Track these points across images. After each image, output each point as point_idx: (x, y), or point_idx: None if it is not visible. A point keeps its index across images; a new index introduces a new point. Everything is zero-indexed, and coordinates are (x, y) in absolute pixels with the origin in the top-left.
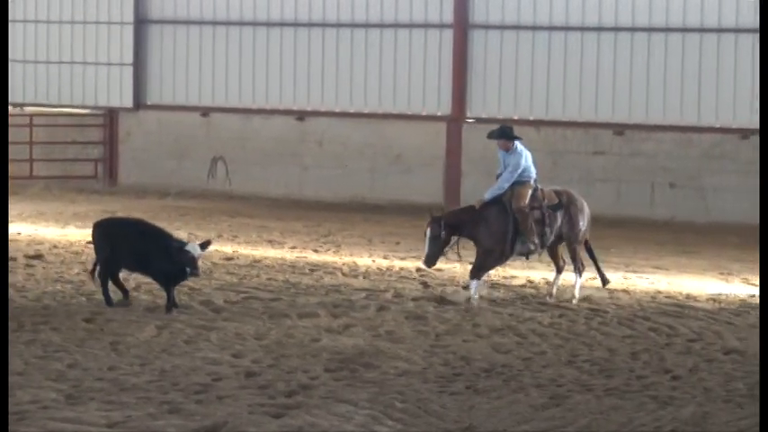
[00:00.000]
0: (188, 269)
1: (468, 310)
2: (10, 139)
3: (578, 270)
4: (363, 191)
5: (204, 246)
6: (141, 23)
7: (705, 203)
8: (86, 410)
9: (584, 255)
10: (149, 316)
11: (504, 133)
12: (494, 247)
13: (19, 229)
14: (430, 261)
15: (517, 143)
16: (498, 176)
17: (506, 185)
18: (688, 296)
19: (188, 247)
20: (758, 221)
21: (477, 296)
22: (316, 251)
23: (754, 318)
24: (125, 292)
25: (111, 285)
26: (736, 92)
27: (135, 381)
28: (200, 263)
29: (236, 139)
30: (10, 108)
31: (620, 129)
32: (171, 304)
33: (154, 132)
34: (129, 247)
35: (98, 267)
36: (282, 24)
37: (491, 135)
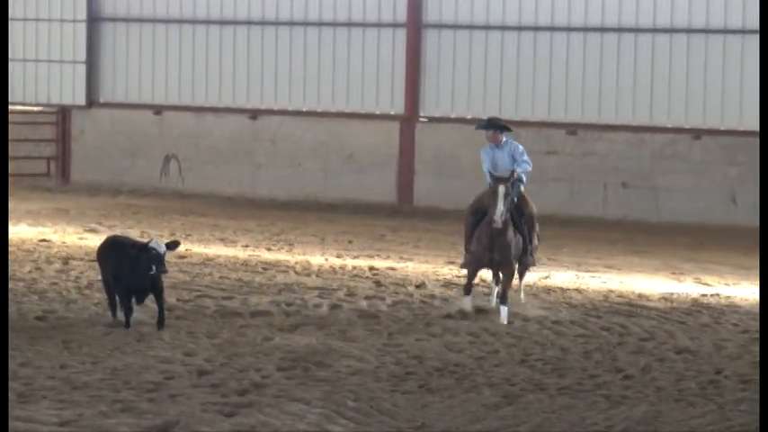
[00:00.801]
0: (154, 267)
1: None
2: None
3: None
4: (316, 190)
5: (171, 246)
6: (94, 21)
7: (657, 203)
8: (38, 409)
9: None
10: (101, 314)
11: (494, 124)
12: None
13: None
14: (502, 217)
15: (506, 136)
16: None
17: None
18: (640, 295)
19: (152, 244)
20: (711, 221)
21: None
22: (269, 250)
23: (706, 317)
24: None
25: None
26: (689, 92)
27: (87, 379)
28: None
29: (189, 137)
30: None
31: (572, 128)
32: (127, 322)
33: (107, 130)
34: (107, 264)
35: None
36: (236, 23)
37: (479, 126)
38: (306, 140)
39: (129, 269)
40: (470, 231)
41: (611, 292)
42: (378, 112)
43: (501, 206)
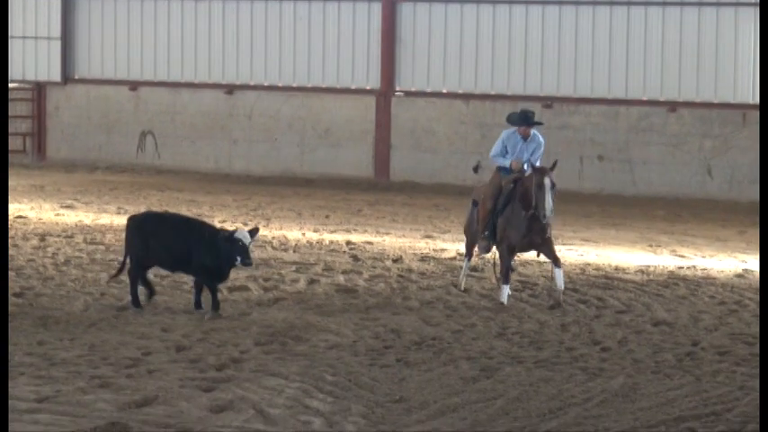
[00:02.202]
0: (239, 259)
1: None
2: None
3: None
4: (293, 164)
5: (253, 233)
6: None
7: (633, 176)
8: (16, 385)
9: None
10: (79, 291)
11: (527, 119)
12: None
13: None
14: (552, 212)
15: (535, 130)
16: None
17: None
18: (617, 268)
19: (237, 235)
20: (686, 193)
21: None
22: (245, 225)
23: (683, 289)
24: (151, 290)
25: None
26: (664, 65)
27: (65, 355)
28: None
29: (165, 113)
30: None
31: (548, 101)
32: (216, 305)
33: (82, 106)
34: (164, 243)
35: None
36: None
37: (511, 120)
38: (282, 115)
39: (211, 255)
40: (490, 218)
41: (588, 264)
42: (354, 87)
43: (550, 200)
